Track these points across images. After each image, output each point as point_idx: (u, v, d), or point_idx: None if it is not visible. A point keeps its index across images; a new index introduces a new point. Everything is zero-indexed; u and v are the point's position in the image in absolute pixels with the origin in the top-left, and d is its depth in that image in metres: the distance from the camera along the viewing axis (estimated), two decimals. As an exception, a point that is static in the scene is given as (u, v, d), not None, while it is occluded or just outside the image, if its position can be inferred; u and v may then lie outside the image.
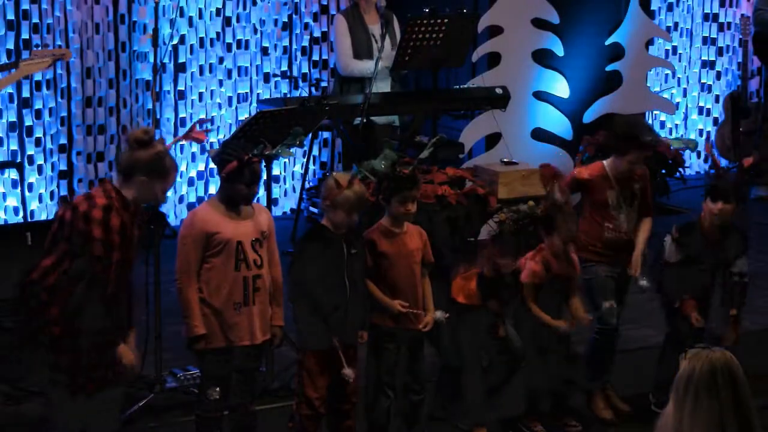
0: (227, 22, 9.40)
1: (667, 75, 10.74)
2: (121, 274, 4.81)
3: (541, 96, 9.49)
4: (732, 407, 3.47)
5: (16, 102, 8.64)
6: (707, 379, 3.49)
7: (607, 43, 9.75)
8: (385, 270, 5.58)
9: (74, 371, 4.77)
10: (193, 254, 5.23)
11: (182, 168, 9.35)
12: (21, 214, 8.46)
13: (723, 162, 6.87)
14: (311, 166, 9.67)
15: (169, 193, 9.19)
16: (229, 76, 9.49)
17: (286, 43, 9.71)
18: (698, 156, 10.41)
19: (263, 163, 5.77)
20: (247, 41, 9.53)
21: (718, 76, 11.17)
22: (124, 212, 4.77)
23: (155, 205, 5.50)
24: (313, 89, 9.39)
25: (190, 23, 9.24)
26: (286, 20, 9.69)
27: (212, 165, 9.44)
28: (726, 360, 3.52)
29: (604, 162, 6.29)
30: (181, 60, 9.25)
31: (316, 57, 9.83)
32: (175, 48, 9.18)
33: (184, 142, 5.29)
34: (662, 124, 10.96)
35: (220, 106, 9.47)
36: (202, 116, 9.35)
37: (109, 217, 4.71)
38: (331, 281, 5.39)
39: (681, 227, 6.38)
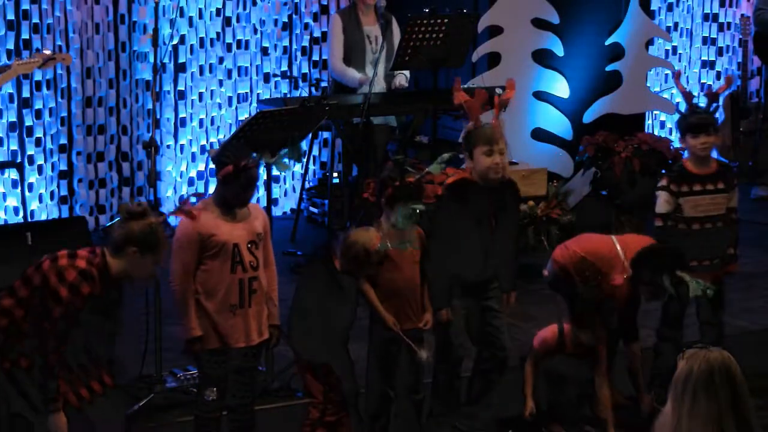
0: (227, 22, 9.41)
1: (667, 75, 10.74)
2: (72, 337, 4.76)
3: (541, 96, 9.49)
4: (730, 407, 3.48)
5: (16, 102, 8.65)
6: (705, 378, 3.49)
7: (607, 43, 9.75)
8: (388, 271, 5.59)
9: (45, 393, 4.78)
10: (189, 256, 5.23)
11: (182, 168, 9.36)
12: (21, 214, 8.46)
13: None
14: (311, 166, 9.68)
15: (169, 193, 9.24)
16: (229, 76, 9.49)
17: (286, 43, 9.72)
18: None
19: (263, 165, 5.76)
20: (247, 41, 9.53)
21: (718, 76, 11.17)
22: (99, 285, 4.73)
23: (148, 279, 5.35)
24: (313, 89, 9.39)
25: (190, 23, 9.24)
26: (286, 20, 9.69)
27: (212, 165, 9.44)
28: (724, 360, 3.53)
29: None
30: (181, 60, 9.25)
31: (316, 57, 9.83)
32: (175, 48, 9.18)
33: (177, 216, 5.27)
34: (662, 124, 10.97)
35: (220, 106, 9.47)
36: (202, 116, 9.37)
37: (81, 284, 4.67)
38: (341, 304, 5.43)
39: (668, 173, 6.34)
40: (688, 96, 6.41)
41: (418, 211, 5.49)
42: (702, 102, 6.61)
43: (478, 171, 5.69)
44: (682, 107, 6.52)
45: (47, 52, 7.48)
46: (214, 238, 5.21)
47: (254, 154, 5.37)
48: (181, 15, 9.16)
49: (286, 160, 5.73)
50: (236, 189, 5.23)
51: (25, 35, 8.60)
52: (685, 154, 6.47)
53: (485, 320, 5.87)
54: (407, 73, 8.63)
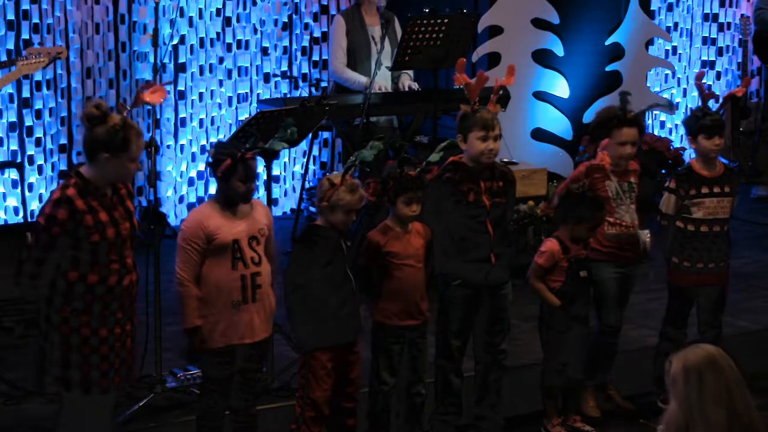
0: (227, 22, 9.41)
1: (667, 75, 10.75)
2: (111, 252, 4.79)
3: (541, 96, 9.50)
4: (736, 382, 3.48)
5: (16, 102, 8.65)
6: (709, 360, 3.50)
7: (607, 43, 9.76)
8: (393, 270, 5.60)
9: (86, 367, 4.79)
10: (193, 254, 5.22)
11: (182, 168, 9.36)
12: (21, 214, 8.46)
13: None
14: (311, 166, 9.68)
15: (169, 193, 9.24)
16: (229, 76, 9.49)
17: (286, 43, 9.72)
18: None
19: (259, 159, 5.75)
20: (247, 41, 9.53)
21: (718, 76, 11.17)
22: (81, 200, 4.72)
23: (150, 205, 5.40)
24: (313, 89, 9.39)
25: (190, 23, 9.25)
26: (286, 20, 9.69)
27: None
28: (720, 351, 3.55)
29: None
30: (181, 60, 9.25)
31: (316, 57, 9.83)
32: (175, 48, 9.18)
33: (147, 99, 5.25)
34: (662, 124, 10.97)
35: (220, 106, 9.47)
36: (202, 116, 9.37)
37: (57, 211, 4.70)
38: (337, 278, 5.40)
39: (676, 174, 6.37)
40: (706, 97, 6.39)
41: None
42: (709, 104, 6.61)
43: (470, 155, 5.77)
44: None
45: (43, 47, 7.47)
46: (216, 235, 5.20)
47: (248, 144, 5.34)
48: (181, 15, 9.16)
49: (279, 141, 5.70)
50: (237, 182, 5.21)
51: (25, 35, 8.59)
52: (692, 154, 6.47)
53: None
54: (411, 72, 8.63)
